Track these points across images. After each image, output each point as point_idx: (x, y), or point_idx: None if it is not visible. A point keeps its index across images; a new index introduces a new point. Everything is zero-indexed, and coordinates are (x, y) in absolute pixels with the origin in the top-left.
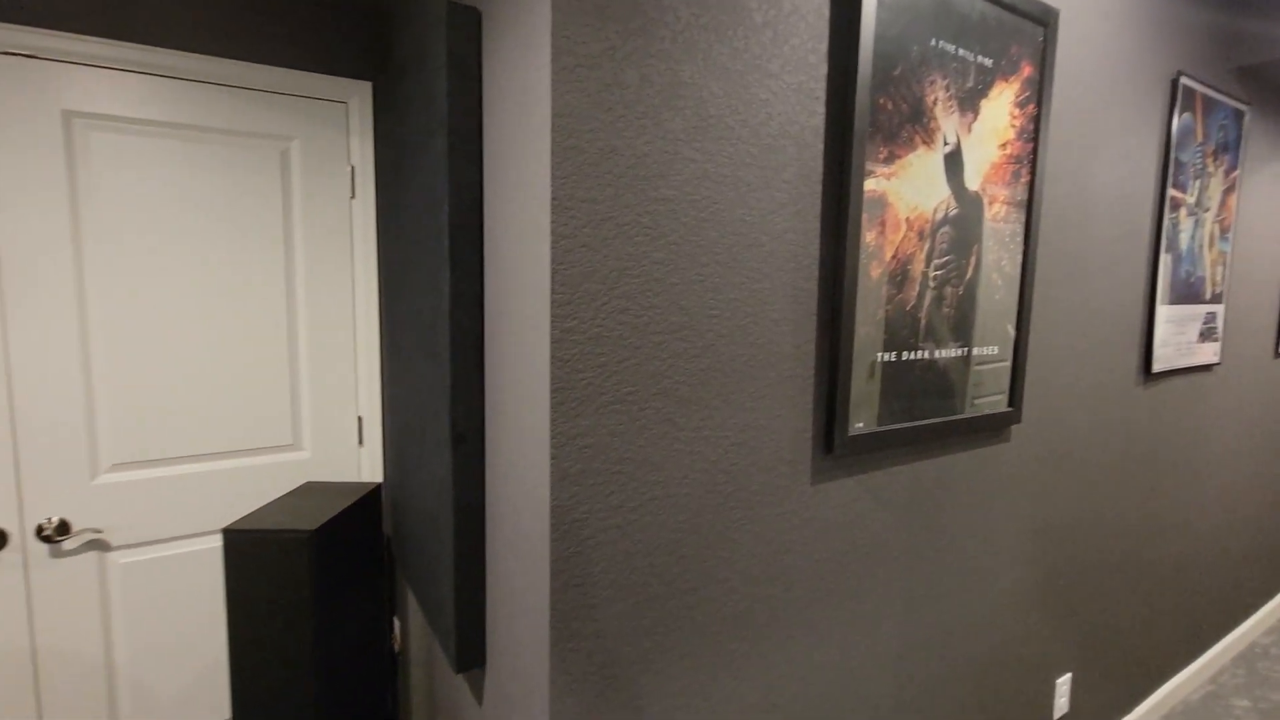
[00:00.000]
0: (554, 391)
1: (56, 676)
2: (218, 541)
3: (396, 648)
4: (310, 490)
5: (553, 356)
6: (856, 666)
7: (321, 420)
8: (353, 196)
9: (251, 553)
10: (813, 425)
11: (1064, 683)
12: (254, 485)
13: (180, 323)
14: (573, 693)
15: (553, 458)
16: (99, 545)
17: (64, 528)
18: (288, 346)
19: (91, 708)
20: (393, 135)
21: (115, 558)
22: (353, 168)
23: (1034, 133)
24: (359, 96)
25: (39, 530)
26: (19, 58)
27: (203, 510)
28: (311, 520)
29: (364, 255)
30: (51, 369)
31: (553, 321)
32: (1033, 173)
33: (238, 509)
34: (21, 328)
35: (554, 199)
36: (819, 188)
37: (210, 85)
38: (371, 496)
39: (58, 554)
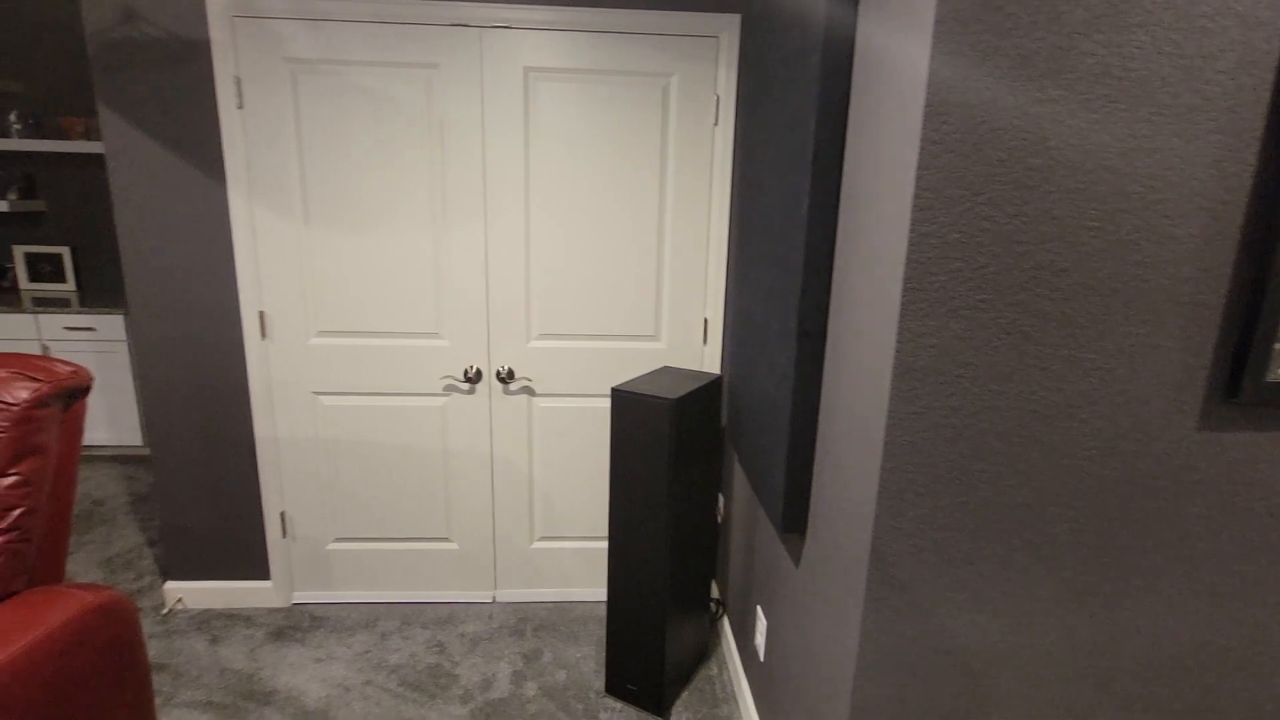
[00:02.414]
0: (905, 290)
1: (501, 472)
2: (598, 401)
3: (720, 518)
4: (668, 372)
5: (908, 258)
6: (1235, 659)
7: (675, 319)
8: (715, 123)
9: (630, 408)
10: (1211, 364)
11: None
12: (624, 363)
13: (582, 229)
14: (890, 567)
15: (897, 352)
16: (529, 390)
17: (511, 374)
18: (656, 255)
19: (519, 498)
20: (760, 59)
21: (538, 401)
22: (718, 97)
23: None
24: (728, 30)
25: (497, 373)
26: (501, 30)
27: (590, 376)
28: (673, 392)
29: (720, 176)
30: (509, 259)
31: (912, 225)
32: None
33: (613, 379)
34: (497, 230)
35: (928, 104)
36: (1271, 76)
37: (612, 34)
38: (715, 384)
39: (507, 392)
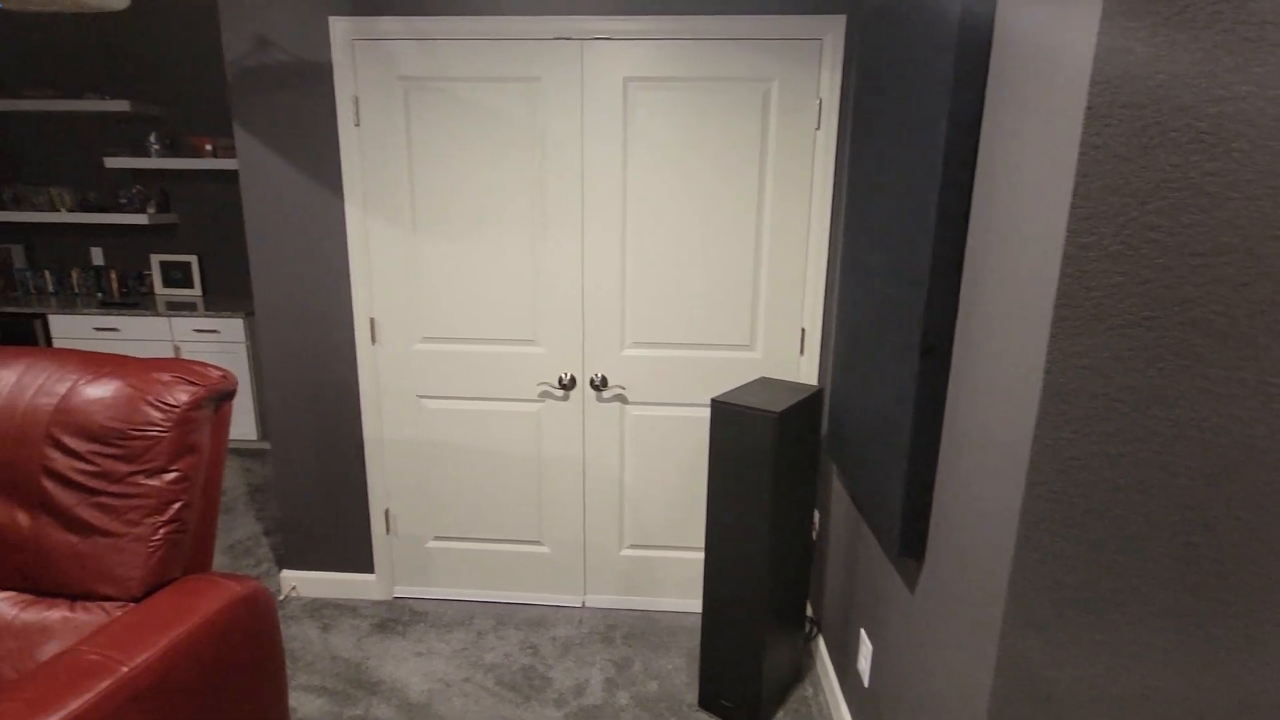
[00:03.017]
0: (1058, 307)
1: (592, 478)
2: (691, 410)
3: (814, 535)
4: (766, 384)
5: (1063, 272)
6: None
7: (772, 328)
8: (817, 127)
9: (731, 420)
10: None
11: None
12: (718, 373)
13: (677, 236)
14: (1029, 603)
15: (1046, 373)
16: (621, 399)
17: (604, 381)
18: (753, 263)
19: (609, 505)
20: (874, 59)
21: (629, 409)
22: (820, 100)
23: None
24: (833, 31)
25: (591, 381)
26: (602, 41)
27: (683, 385)
28: (776, 405)
29: (821, 182)
30: (605, 267)
31: (1068, 236)
32: None
33: (707, 388)
34: (594, 238)
35: (1090, 106)
36: None
37: (712, 41)
38: (816, 397)
39: (599, 399)
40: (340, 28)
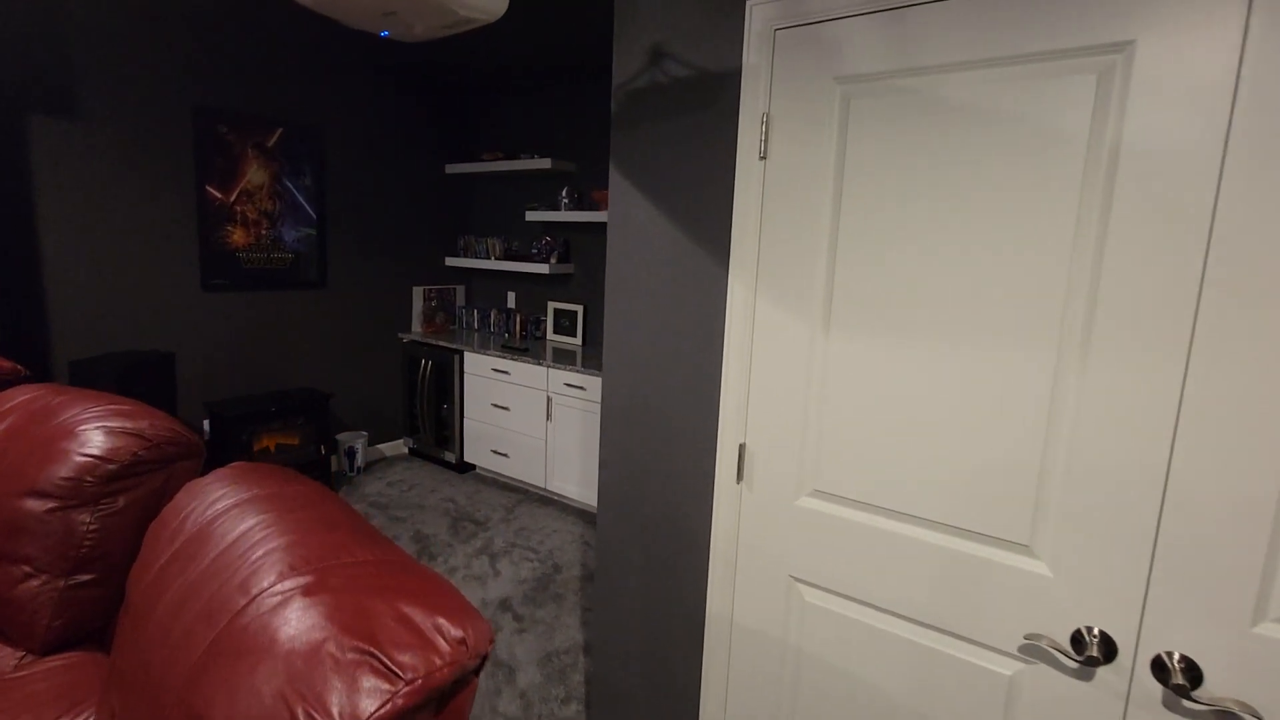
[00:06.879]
0: None
1: None
2: None
3: None
4: None
5: None
6: None
7: None
8: None
9: None
10: None
11: None
12: None
13: None
14: None
15: None
16: None
17: (1194, 674)
18: None
19: None
20: None
21: None
22: None
23: None
24: None
25: (1156, 663)
26: None
27: None
28: None
29: None
30: (1237, 434)
31: None
32: None
33: None
34: (1222, 370)
35: None
36: None
37: None
38: None
39: (1171, 705)
40: (761, 15)
